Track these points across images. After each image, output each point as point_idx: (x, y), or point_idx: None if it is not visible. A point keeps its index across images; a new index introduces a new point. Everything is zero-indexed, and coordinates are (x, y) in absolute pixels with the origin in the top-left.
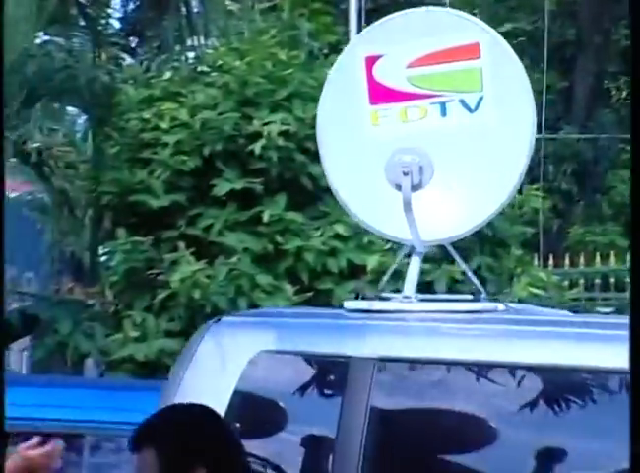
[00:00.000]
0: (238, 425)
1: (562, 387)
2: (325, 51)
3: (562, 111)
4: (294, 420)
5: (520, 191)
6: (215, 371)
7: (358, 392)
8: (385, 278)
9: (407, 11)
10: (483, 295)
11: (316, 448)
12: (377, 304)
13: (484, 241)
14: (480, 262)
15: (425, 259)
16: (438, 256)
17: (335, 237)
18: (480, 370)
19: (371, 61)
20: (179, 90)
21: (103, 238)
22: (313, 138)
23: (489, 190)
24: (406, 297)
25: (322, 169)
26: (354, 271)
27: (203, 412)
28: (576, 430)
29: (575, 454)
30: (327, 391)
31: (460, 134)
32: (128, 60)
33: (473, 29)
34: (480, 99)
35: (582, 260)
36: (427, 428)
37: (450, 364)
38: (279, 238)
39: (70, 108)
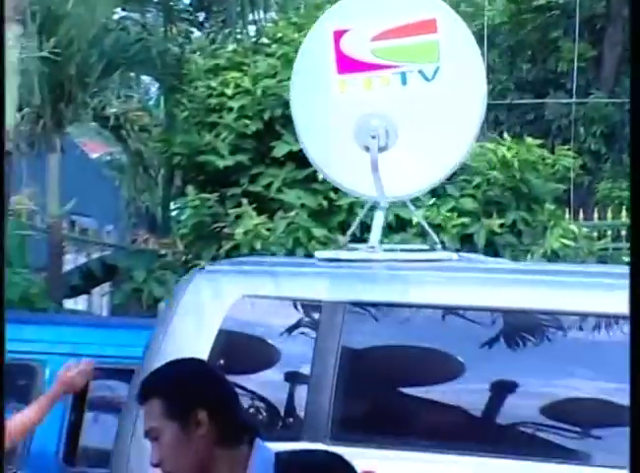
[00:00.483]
0: (222, 361)
1: (510, 326)
2: None
3: (592, 78)
4: (273, 357)
5: (552, 151)
6: (200, 314)
7: (331, 333)
8: (351, 229)
9: None
10: (439, 246)
11: (293, 383)
12: (345, 254)
13: (520, 197)
14: (515, 216)
15: (466, 213)
16: (478, 210)
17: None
18: (438, 311)
19: (339, 35)
20: (242, 60)
21: (174, 195)
22: None
23: (445, 151)
24: (371, 247)
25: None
26: (402, 224)
27: (199, 364)
28: (522, 364)
29: (521, 385)
30: (302, 332)
31: (419, 101)
32: (196, 33)
33: (431, 6)
34: (437, 69)
35: (609, 213)
36: (392, 364)
37: (412, 306)
38: (332, 195)
39: (144, 77)
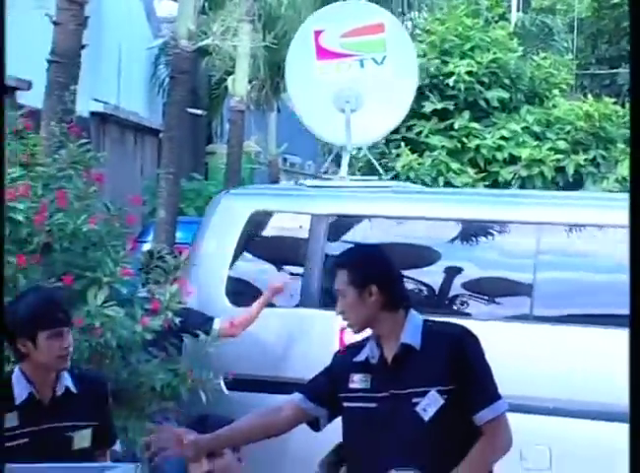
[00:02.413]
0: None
1: (449, 233)
2: (495, 19)
3: None
4: (277, 256)
5: (623, 106)
6: (226, 224)
7: (318, 236)
8: (327, 162)
9: (342, 2)
10: (385, 177)
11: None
12: (325, 182)
13: (599, 140)
14: (595, 153)
15: (559, 151)
16: (568, 149)
17: (500, 138)
18: (391, 220)
19: (318, 33)
20: None
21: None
22: (488, 75)
23: (391, 113)
24: (342, 177)
25: (494, 95)
26: (513, 160)
27: (377, 251)
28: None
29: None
30: (297, 237)
31: (373, 79)
32: None
33: (381, 14)
34: (384, 57)
35: None
36: None
37: (371, 217)
38: (464, 139)
39: None
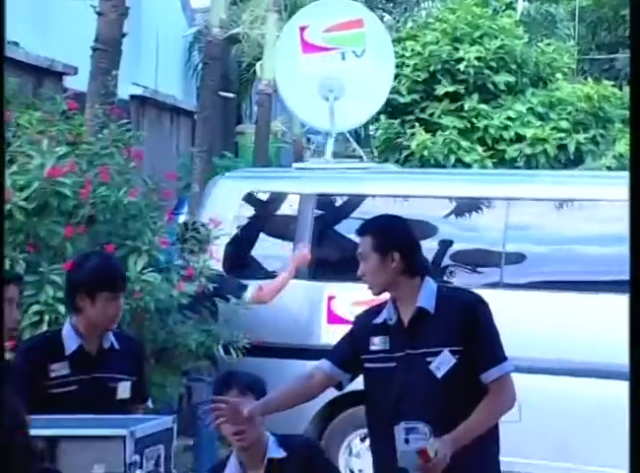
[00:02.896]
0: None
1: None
2: (503, 8)
3: None
4: (269, 232)
5: (620, 89)
6: (222, 204)
7: (306, 216)
8: (310, 146)
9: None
10: (365, 158)
11: (282, 251)
12: (311, 164)
13: (598, 119)
14: (595, 132)
15: (562, 130)
16: (570, 128)
17: (507, 118)
18: (374, 198)
19: (303, 29)
20: (416, 33)
21: (372, 120)
22: (496, 61)
23: (370, 100)
24: (327, 160)
25: (501, 79)
26: (519, 138)
27: (401, 221)
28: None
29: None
30: (287, 214)
31: (353, 70)
32: (387, 17)
33: (361, 10)
34: (364, 50)
35: None
36: (347, 237)
37: (352, 195)
38: (474, 120)
39: None
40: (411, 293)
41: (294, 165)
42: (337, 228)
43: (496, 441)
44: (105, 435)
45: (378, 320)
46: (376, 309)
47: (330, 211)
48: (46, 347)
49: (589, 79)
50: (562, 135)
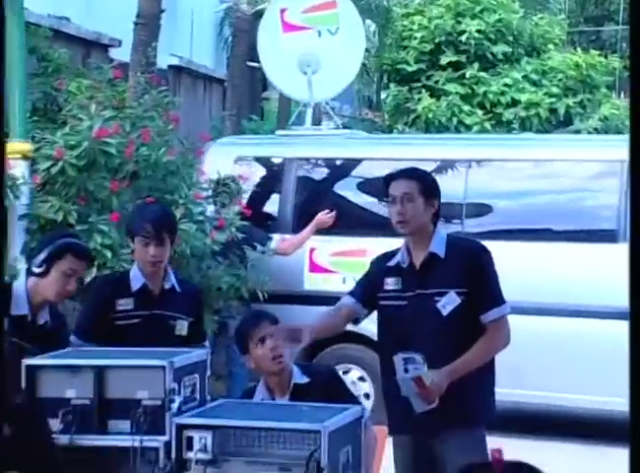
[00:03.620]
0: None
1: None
2: None
3: None
4: (258, 192)
5: (606, 58)
6: (217, 167)
7: (289, 177)
8: (294, 117)
9: None
10: (340, 126)
11: (270, 209)
12: (291, 132)
13: (586, 85)
14: (583, 97)
15: (553, 95)
16: (560, 93)
17: (504, 85)
18: (354, 162)
19: (283, 10)
20: (423, 9)
21: (384, 86)
22: (494, 33)
23: (344, 73)
24: (306, 128)
25: (499, 49)
26: (515, 103)
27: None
28: None
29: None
30: (272, 176)
31: (328, 46)
32: None
33: None
34: (337, 28)
35: None
36: (326, 195)
37: (334, 159)
38: (474, 86)
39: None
40: (426, 239)
41: (277, 132)
42: (316, 187)
43: (492, 372)
44: (148, 365)
45: (391, 263)
46: (390, 254)
47: (310, 172)
48: (115, 284)
49: (578, 49)
50: (553, 100)
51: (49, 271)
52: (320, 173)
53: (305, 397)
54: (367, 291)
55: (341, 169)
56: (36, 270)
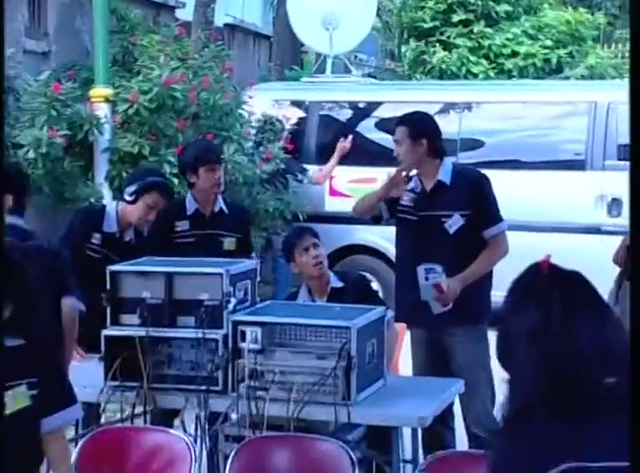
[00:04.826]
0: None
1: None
2: None
3: None
4: (294, 127)
5: (592, 14)
6: (261, 108)
7: (313, 116)
8: (317, 66)
9: None
10: (354, 75)
11: (297, 153)
12: (315, 79)
13: (574, 38)
14: (571, 49)
15: (547, 47)
16: (553, 46)
17: (505, 39)
18: (369, 104)
19: None
20: None
21: (404, 41)
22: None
23: (358, 30)
24: (327, 75)
25: (502, 8)
26: (515, 54)
27: (428, 115)
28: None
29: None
30: (301, 119)
31: (346, 7)
32: None
33: None
34: None
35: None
36: (344, 131)
37: (352, 102)
38: (480, 40)
39: None
40: (433, 169)
41: (303, 79)
42: (336, 124)
43: (490, 279)
44: (208, 272)
45: (408, 187)
46: (408, 180)
47: (330, 112)
48: (174, 209)
49: (568, 7)
50: (547, 51)
51: (137, 201)
52: (338, 114)
53: (340, 299)
54: (391, 200)
55: (356, 110)
56: (128, 198)
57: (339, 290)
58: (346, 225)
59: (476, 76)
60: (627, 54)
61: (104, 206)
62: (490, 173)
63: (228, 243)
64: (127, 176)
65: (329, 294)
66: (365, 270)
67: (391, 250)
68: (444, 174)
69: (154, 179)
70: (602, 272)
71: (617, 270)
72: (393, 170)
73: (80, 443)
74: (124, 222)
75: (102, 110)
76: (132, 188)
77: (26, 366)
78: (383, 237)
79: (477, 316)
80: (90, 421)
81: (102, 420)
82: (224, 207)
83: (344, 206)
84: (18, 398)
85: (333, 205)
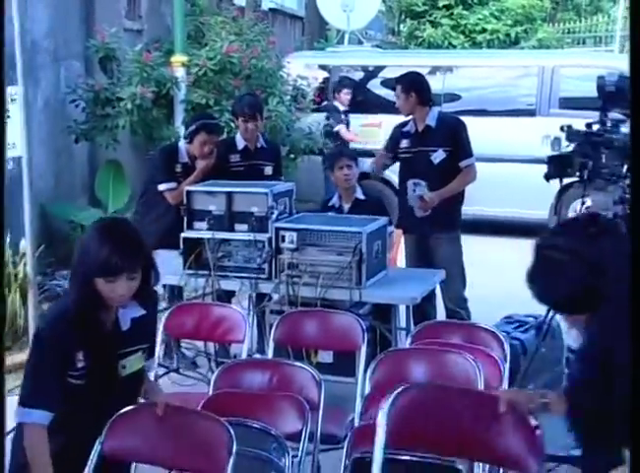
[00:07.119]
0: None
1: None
2: None
3: None
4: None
5: (542, 0)
6: (296, 70)
7: (335, 77)
8: (338, 39)
9: None
10: (364, 44)
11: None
12: (336, 49)
13: (527, 18)
14: (526, 27)
15: (507, 25)
16: (512, 24)
17: (477, 19)
18: (376, 67)
19: None
20: None
21: (399, 22)
22: None
23: (367, 11)
24: (344, 46)
25: None
26: (484, 30)
27: (419, 74)
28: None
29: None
30: (324, 82)
31: None
32: None
33: None
34: None
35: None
36: (358, 89)
37: (364, 66)
38: (458, 20)
39: None
40: (423, 115)
41: (328, 49)
42: (351, 83)
43: (462, 197)
44: (257, 191)
45: (405, 130)
46: (404, 123)
47: (348, 74)
48: (227, 144)
49: None
50: (508, 28)
51: (193, 140)
52: (353, 75)
53: (360, 207)
54: (393, 146)
55: (366, 72)
56: (187, 137)
57: (361, 201)
58: (360, 158)
59: (455, 47)
60: (567, 31)
61: (178, 143)
62: (466, 119)
63: (267, 170)
64: (186, 121)
65: (353, 202)
66: (374, 193)
67: (393, 178)
68: (431, 119)
69: (202, 122)
70: (545, 190)
71: (557, 188)
72: (395, 117)
73: (166, 314)
74: (191, 155)
75: (180, 73)
76: (187, 131)
77: (144, 334)
78: (390, 169)
79: (451, 224)
80: (173, 298)
81: (183, 298)
82: (263, 143)
83: (358, 143)
84: (135, 363)
85: (350, 143)
